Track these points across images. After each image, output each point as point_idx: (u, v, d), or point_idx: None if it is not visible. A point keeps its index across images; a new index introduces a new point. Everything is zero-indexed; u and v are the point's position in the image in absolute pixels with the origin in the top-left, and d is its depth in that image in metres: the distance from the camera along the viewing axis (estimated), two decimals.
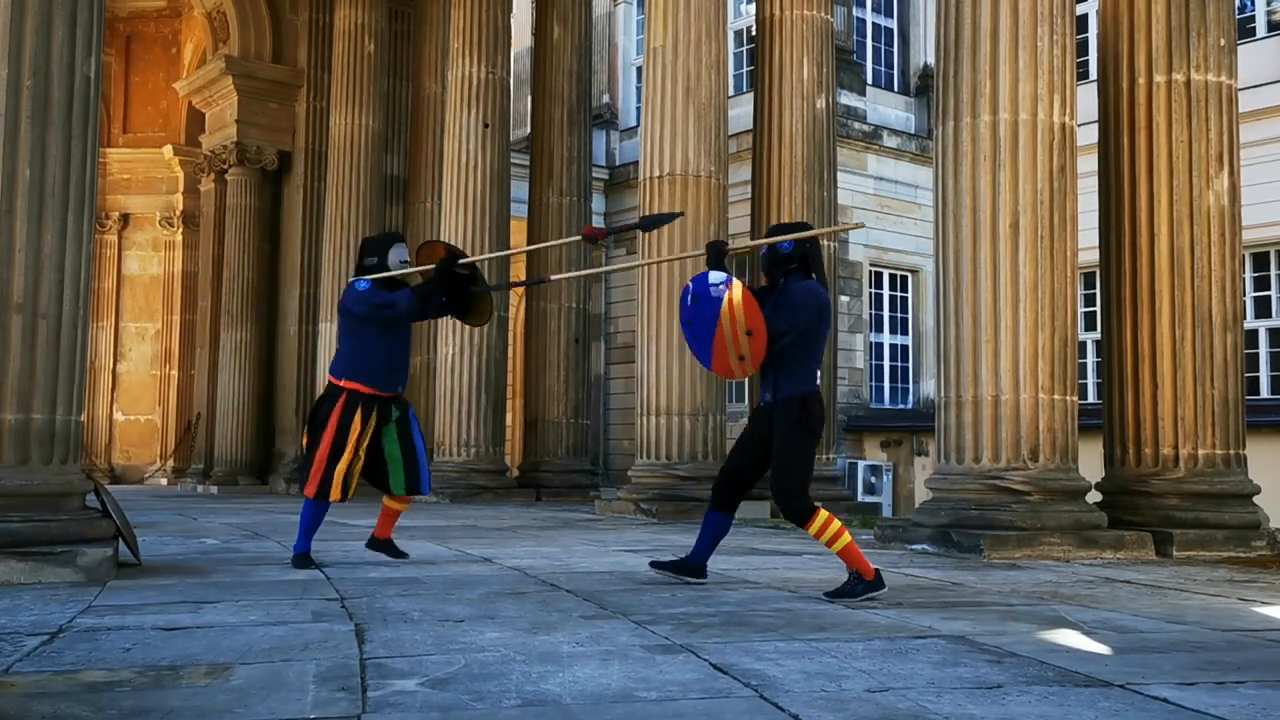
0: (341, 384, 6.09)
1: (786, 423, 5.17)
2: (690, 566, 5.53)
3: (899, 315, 19.59)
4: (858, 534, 9.56)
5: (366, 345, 6.10)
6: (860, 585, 4.98)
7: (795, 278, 5.29)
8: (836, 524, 5.10)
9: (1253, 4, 16.47)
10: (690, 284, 5.24)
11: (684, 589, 5.34)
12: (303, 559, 6.18)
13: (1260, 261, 15.83)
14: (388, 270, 6.24)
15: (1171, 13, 8.23)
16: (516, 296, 20.70)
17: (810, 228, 5.60)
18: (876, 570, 5.05)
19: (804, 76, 12.59)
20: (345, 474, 6.01)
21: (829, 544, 5.09)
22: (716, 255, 5.25)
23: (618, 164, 22.15)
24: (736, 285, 5.07)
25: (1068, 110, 7.74)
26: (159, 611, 4.41)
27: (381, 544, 6.50)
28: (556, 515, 11.79)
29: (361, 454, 6.07)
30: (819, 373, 5.29)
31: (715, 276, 5.15)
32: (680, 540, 8.40)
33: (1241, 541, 7.82)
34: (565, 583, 5.52)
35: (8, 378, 5.29)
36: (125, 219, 24.66)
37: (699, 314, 5.13)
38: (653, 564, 5.73)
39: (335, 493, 6.00)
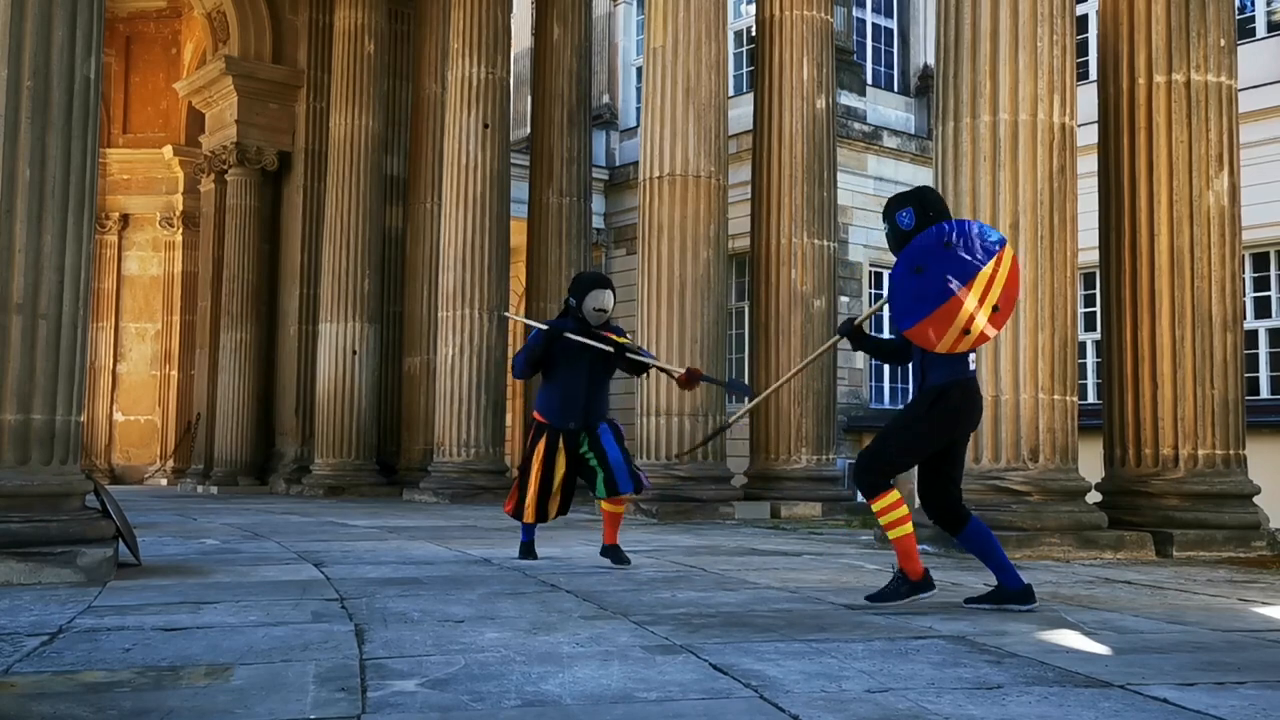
0: (535, 415, 6.60)
1: (914, 407, 4.74)
2: (1010, 591, 4.70)
3: None
4: (857, 534, 9.58)
5: (547, 382, 6.52)
6: (905, 586, 4.65)
7: None
8: (904, 509, 4.67)
9: (1253, 4, 16.47)
10: (952, 228, 4.59)
11: (684, 589, 5.34)
12: (524, 548, 6.72)
13: (1260, 261, 15.83)
14: (582, 314, 6.43)
15: (1171, 13, 8.23)
16: (517, 296, 20.71)
17: (929, 192, 4.88)
18: (926, 570, 4.70)
19: (804, 77, 12.60)
20: (536, 498, 6.45)
21: (888, 527, 4.69)
22: (847, 333, 4.94)
23: (618, 164, 22.15)
24: (1009, 252, 4.53)
25: (1068, 110, 7.74)
26: (159, 612, 4.41)
27: (608, 550, 6.49)
28: None
29: (552, 478, 6.43)
30: (973, 357, 4.73)
31: (991, 232, 4.57)
32: (679, 540, 8.38)
33: (1241, 542, 7.82)
34: (565, 583, 5.52)
35: (8, 378, 5.29)
36: (125, 219, 24.69)
37: (937, 276, 4.50)
38: (968, 600, 4.84)
39: (529, 514, 6.48)
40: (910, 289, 4.60)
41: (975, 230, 4.60)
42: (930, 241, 4.58)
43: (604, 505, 6.53)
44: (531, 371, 6.52)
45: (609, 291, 6.44)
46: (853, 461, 5.44)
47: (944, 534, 7.32)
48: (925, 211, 4.72)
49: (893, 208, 4.82)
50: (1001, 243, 4.55)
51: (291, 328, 19.86)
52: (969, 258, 4.51)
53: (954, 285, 4.50)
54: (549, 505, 6.53)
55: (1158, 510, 7.96)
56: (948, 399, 4.64)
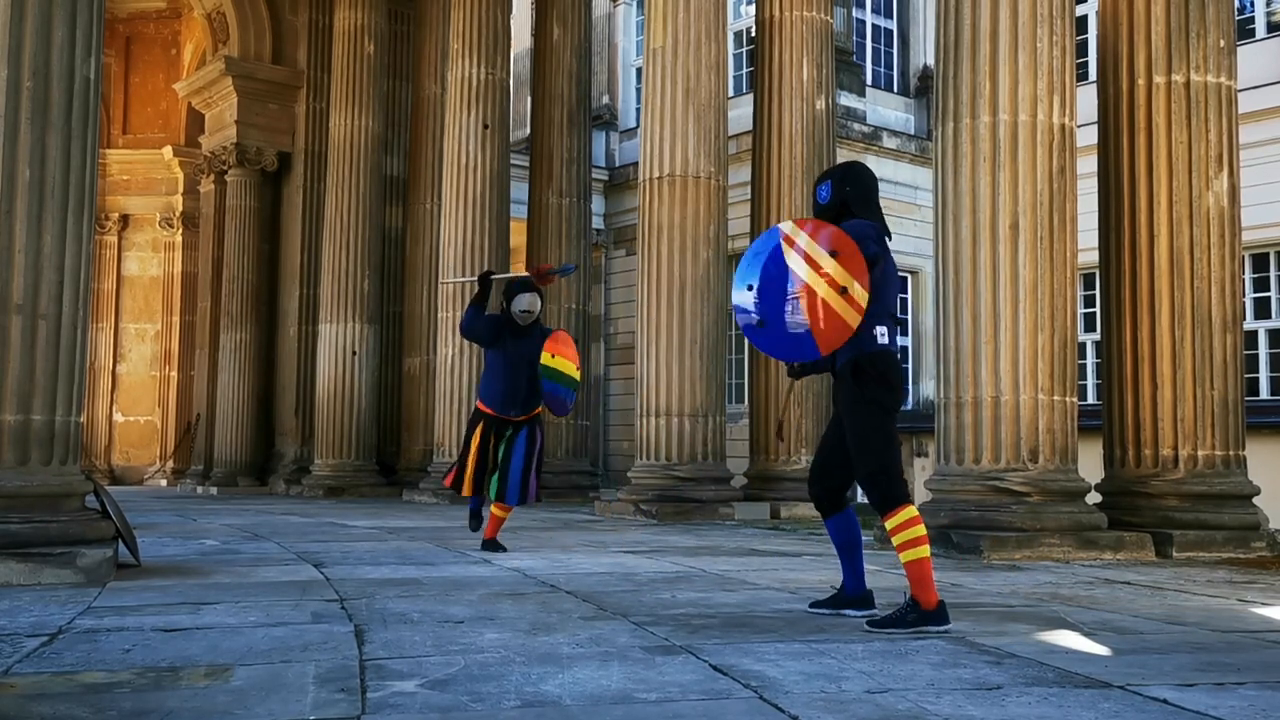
0: (477, 404, 7.37)
1: (848, 399, 4.29)
2: (848, 597, 4.52)
3: (899, 316, 19.58)
4: None
5: (490, 372, 7.30)
6: (913, 614, 4.09)
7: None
8: (921, 529, 4.15)
9: (1253, 4, 16.47)
10: (744, 282, 4.20)
11: (684, 590, 5.34)
12: (472, 515, 7.56)
13: (1260, 262, 15.83)
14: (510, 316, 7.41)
15: (1171, 13, 8.23)
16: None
17: (854, 168, 4.56)
18: (940, 601, 4.13)
19: (804, 77, 12.59)
20: (473, 472, 7.16)
21: (900, 549, 4.16)
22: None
23: (618, 165, 22.15)
24: (787, 227, 4.14)
25: (1067, 111, 7.74)
26: (159, 613, 4.42)
27: (487, 544, 7.32)
28: (556, 516, 11.80)
29: (486, 458, 7.15)
30: (884, 331, 4.32)
31: (765, 241, 4.17)
32: (679, 541, 8.39)
33: (1241, 542, 7.82)
34: (565, 584, 5.52)
35: (7, 378, 5.29)
36: (125, 220, 24.67)
37: (770, 296, 4.10)
38: (812, 605, 4.65)
39: (465, 488, 7.16)
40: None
41: (761, 252, 4.21)
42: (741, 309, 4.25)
43: (493, 507, 7.24)
44: (475, 330, 7.22)
45: (527, 295, 7.30)
46: None
47: (944, 534, 7.38)
48: (842, 186, 4.47)
49: (819, 181, 4.60)
50: (774, 235, 4.18)
51: (291, 328, 19.86)
52: (778, 274, 4.12)
53: (799, 298, 4.10)
54: (484, 480, 7.20)
55: (1157, 511, 7.96)
56: (863, 373, 4.27)
